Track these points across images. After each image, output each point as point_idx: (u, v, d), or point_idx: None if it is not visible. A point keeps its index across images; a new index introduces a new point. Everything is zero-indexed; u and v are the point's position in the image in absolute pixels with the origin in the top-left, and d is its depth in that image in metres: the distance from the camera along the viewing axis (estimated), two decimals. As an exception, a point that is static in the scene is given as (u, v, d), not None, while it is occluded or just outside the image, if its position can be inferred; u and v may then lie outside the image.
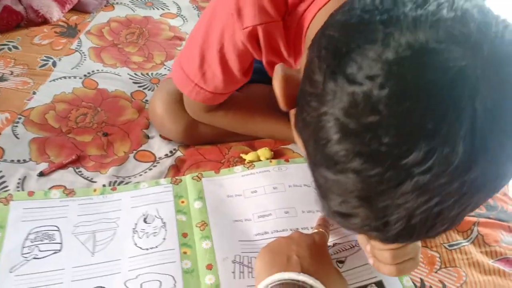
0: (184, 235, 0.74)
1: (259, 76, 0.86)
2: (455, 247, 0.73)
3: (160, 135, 0.93)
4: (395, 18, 0.35)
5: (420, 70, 0.33)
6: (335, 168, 0.37)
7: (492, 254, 0.72)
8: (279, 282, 0.56)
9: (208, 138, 0.91)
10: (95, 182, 0.82)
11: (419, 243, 0.62)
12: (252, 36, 0.66)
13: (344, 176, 0.37)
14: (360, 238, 0.67)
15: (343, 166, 0.36)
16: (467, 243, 0.73)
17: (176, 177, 0.83)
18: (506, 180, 0.38)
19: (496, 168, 0.35)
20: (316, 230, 0.69)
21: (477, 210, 0.78)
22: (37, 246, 0.70)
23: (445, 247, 0.73)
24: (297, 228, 0.74)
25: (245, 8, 0.64)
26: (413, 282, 0.68)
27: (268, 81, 0.93)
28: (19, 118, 0.92)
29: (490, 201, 0.80)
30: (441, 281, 0.68)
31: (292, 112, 0.48)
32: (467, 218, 0.76)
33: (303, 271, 0.57)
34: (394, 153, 0.34)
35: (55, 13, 1.20)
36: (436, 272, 0.70)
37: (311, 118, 0.39)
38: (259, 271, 0.61)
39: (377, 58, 0.34)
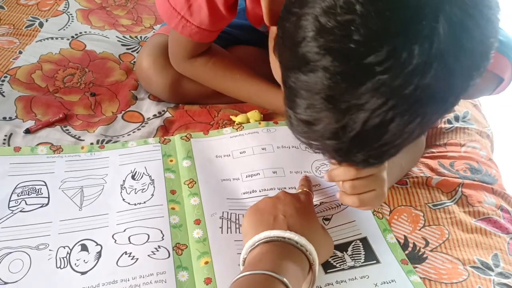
0: (173, 192, 0.74)
1: (247, 34, 0.85)
2: (439, 206, 0.74)
3: (149, 96, 0.92)
4: None
5: None
6: (307, 67, 0.40)
7: (475, 214, 0.73)
8: (265, 240, 0.56)
9: (194, 96, 0.91)
10: (82, 140, 0.82)
11: (383, 176, 0.63)
12: None
13: (314, 75, 0.40)
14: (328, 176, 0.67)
15: (314, 64, 0.40)
16: (451, 203, 0.74)
17: (165, 137, 0.83)
18: (456, 97, 0.42)
19: (448, 80, 0.39)
20: (300, 190, 0.70)
21: (462, 173, 0.79)
22: (24, 200, 0.70)
23: (429, 207, 0.74)
24: (285, 188, 0.74)
25: None
26: (396, 239, 0.69)
27: (256, 42, 0.94)
28: (5, 77, 0.91)
29: (475, 164, 0.82)
30: (424, 238, 0.70)
31: (272, 36, 0.51)
32: (452, 180, 0.77)
33: (289, 229, 0.57)
34: (361, 51, 0.37)
35: (42, -26, 1.17)
36: (419, 230, 0.71)
37: (291, 24, 0.42)
38: (246, 230, 0.61)
39: None
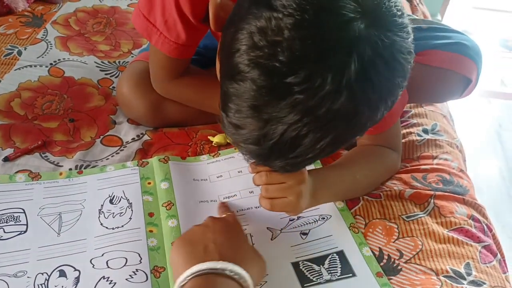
0: (150, 214, 0.75)
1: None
2: (412, 218, 0.76)
3: (128, 120, 0.93)
4: None
5: (320, 10, 0.42)
6: (238, 76, 0.46)
7: (447, 224, 0.75)
8: (198, 273, 0.54)
9: (174, 119, 0.92)
10: (61, 166, 0.83)
11: (299, 188, 0.66)
12: None
13: (243, 84, 0.45)
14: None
15: (244, 75, 0.45)
16: (423, 215, 0.76)
17: (143, 160, 0.84)
18: (364, 124, 0.48)
19: (356, 108, 0.45)
20: (224, 215, 0.70)
21: (434, 185, 0.81)
22: (2, 228, 0.70)
23: (403, 219, 0.76)
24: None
25: None
26: (372, 251, 0.71)
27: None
28: (-17, 106, 0.92)
29: (447, 176, 0.84)
30: (398, 250, 0.71)
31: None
32: (424, 192, 0.79)
33: (221, 257, 0.55)
34: (283, 70, 0.43)
35: (20, 3, 1.19)
36: (394, 242, 0.72)
37: (230, 34, 0.47)
38: (176, 264, 0.58)
39: None
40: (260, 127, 0.47)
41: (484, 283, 0.68)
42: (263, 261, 0.62)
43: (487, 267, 0.71)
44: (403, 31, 0.46)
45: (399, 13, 0.46)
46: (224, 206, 0.76)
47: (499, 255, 0.74)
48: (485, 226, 0.77)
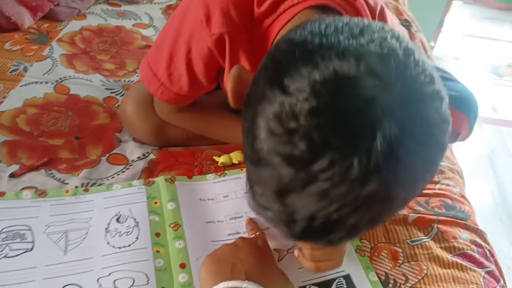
0: (157, 234, 0.75)
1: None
2: (417, 242, 0.77)
3: (133, 139, 0.94)
4: (330, 44, 0.41)
5: (337, 94, 0.39)
6: (259, 162, 0.43)
7: (451, 249, 0.76)
8: None
9: (177, 140, 0.93)
10: (67, 183, 0.83)
11: (344, 248, 0.67)
12: (219, 42, 0.69)
13: (265, 171, 0.43)
14: None
15: (265, 162, 0.42)
16: (427, 239, 0.77)
17: (149, 179, 0.85)
18: (399, 205, 0.44)
19: (387, 191, 0.41)
20: (253, 235, 0.71)
21: (437, 210, 0.83)
22: (8, 245, 0.70)
23: (407, 243, 0.76)
24: (269, 227, 0.76)
25: (213, 16, 0.67)
26: (378, 276, 0.71)
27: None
28: (-11, 122, 0.92)
29: (449, 201, 0.85)
30: (404, 274, 0.72)
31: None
32: (427, 217, 0.80)
33: (248, 277, 0.58)
34: (305, 158, 0.40)
35: (27, 20, 1.20)
36: (399, 266, 0.73)
37: (249, 115, 0.45)
38: (204, 280, 0.62)
39: (307, 76, 0.40)
40: (286, 212, 0.43)
41: (489, 309, 0.69)
42: (290, 285, 0.64)
43: (491, 293, 0.72)
44: (435, 100, 0.41)
45: (427, 79, 0.41)
46: (253, 223, 0.76)
47: (502, 281, 0.75)
48: (487, 252, 0.78)
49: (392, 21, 0.75)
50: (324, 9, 0.63)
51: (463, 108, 0.83)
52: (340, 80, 0.39)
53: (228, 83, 0.54)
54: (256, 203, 0.47)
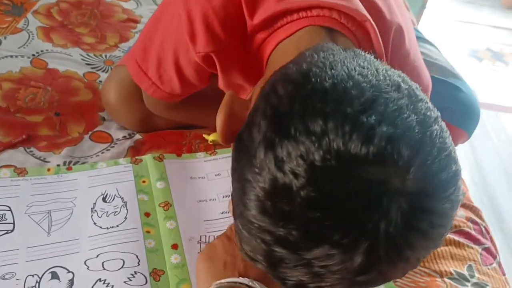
0: (147, 214, 0.71)
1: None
2: (414, 220, 0.75)
3: (117, 121, 0.89)
4: (336, 116, 0.35)
5: (339, 184, 0.34)
6: (250, 231, 0.39)
7: (448, 227, 0.75)
8: None
9: (165, 128, 0.89)
10: (48, 162, 0.78)
11: None
12: (206, 59, 0.63)
13: (255, 242, 0.38)
14: None
15: (256, 233, 0.38)
16: (425, 217, 0.76)
17: (136, 157, 0.80)
18: (398, 276, 0.41)
19: (383, 278, 0.38)
20: None
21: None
22: (-14, 227, 0.65)
23: (405, 221, 0.75)
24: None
25: (198, 35, 0.60)
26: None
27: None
28: (-39, 96, 0.86)
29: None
30: (402, 252, 0.71)
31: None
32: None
33: (241, 273, 0.53)
34: (300, 245, 0.36)
35: (-2, -10, 1.12)
36: (397, 244, 0.72)
37: (239, 173, 0.40)
38: (198, 279, 0.58)
39: (305, 157, 0.34)
40: (276, 276, 0.40)
41: (487, 285, 0.68)
42: None
43: (488, 269, 0.71)
44: (449, 187, 0.36)
45: (444, 162, 0.35)
46: None
47: (498, 257, 0.75)
48: (483, 228, 0.78)
49: (410, 39, 0.64)
50: (328, 29, 0.55)
51: (466, 124, 0.80)
52: (344, 167, 0.34)
53: (218, 120, 0.47)
54: (244, 252, 0.43)
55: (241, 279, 0.52)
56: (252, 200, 0.37)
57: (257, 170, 0.37)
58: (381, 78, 0.38)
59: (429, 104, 0.39)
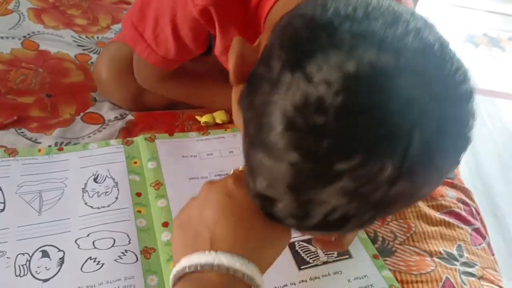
0: (138, 194, 0.71)
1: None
2: (405, 201, 0.76)
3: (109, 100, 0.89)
4: (364, 32, 0.35)
5: (373, 91, 0.34)
6: (272, 155, 0.37)
7: (439, 207, 0.76)
8: (183, 273, 0.42)
9: (156, 105, 0.89)
10: (39, 143, 0.78)
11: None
12: (205, 13, 0.62)
13: (279, 165, 0.37)
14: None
15: (280, 156, 0.36)
16: (415, 198, 0.76)
17: (128, 138, 0.80)
18: (418, 200, 0.41)
19: (412, 192, 0.38)
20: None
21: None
22: (-24, 206, 0.65)
23: (395, 202, 0.75)
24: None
25: None
26: (367, 234, 0.70)
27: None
28: (-49, 77, 0.85)
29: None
30: (392, 232, 0.71)
31: (236, 88, 0.47)
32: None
33: (214, 246, 0.42)
34: (331, 157, 0.35)
35: (-11, -29, 1.11)
36: (388, 224, 0.72)
37: (259, 102, 0.39)
38: (173, 250, 0.47)
39: (338, 67, 0.34)
40: (299, 206, 0.38)
41: (476, 265, 0.69)
42: (282, 232, 0.47)
43: (478, 249, 0.72)
44: (468, 100, 0.38)
45: (461, 77, 0.37)
46: None
47: (487, 237, 0.75)
48: (473, 210, 0.78)
49: None
50: None
51: None
52: (377, 75, 0.34)
53: (230, 60, 0.47)
54: (257, 194, 0.41)
55: (211, 254, 0.41)
56: (278, 118, 0.36)
57: (283, 91, 0.36)
58: (395, 5, 0.39)
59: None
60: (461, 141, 0.38)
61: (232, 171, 0.50)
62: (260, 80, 0.39)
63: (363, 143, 0.35)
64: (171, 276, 0.43)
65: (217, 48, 0.69)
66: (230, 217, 0.44)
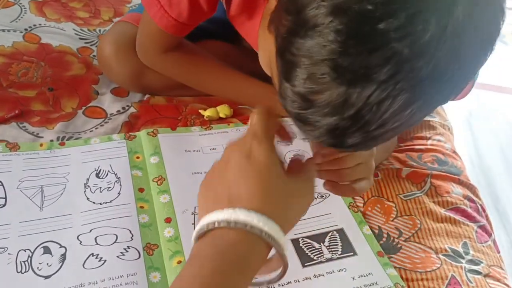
0: (141, 190, 0.71)
1: (218, 28, 0.83)
2: (410, 197, 0.75)
3: (111, 91, 0.88)
4: None
5: None
6: (314, 31, 0.37)
7: (444, 204, 0.75)
8: (202, 232, 0.41)
9: (157, 88, 0.88)
10: (41, 137, 0.77)
11: (372, 164, 0.61)
12: None
13: (322, 39, 0.37)
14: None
15: (324, 26, 0.36)
16: (421, 194, 0.75)
17: (130, 133, 0.79)
18: (457, 84, 0.40)
19: (457, 61, 0.37)
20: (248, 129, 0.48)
21: (430, 164, 0.81)
22: (-23, 201, 0.64)
23: (400, 198, 0.75)
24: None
25: None
26: (371, 229, 0.69)
27: (226, 36, 0.92)
28: (-48, 71, 0.84)
29: (441, 156, 0.83)
30: (397, 228, 0.70)
31: (267, 14, 0.47)
32: (421, 171, 0.78)
33: (232, 204, 0.41)
34: (378, 14, 0.35)
35: (-10, -37, 1.10)
36: (392, 221, 0.71)
37: None
38: (198, 214, 0.46)
39: None
40: (341, 92, 0.37)
41: (482, 262, 0.68)
42: (305, 189, 0.47)
43: (483, 246, 0.71)
44: None
45: None
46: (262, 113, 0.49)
47: (493, 235, 0.74)
48: (479, 207, 0.77)
49: None
50: None
51: None
52: None
53: None
54: (294, 94, 0.40)
55: (225, 212, 0.40)
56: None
57: None
58: None
59: None
60: (500, 9, 0.39)
61: (249, 124, 0.48)
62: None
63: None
64: (193, 238, 0.42)
65: (234, 6, 0.69)
66: (249, 176, 0.42)
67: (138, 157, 0.75)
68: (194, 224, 0.66)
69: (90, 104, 0.85)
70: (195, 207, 0.68)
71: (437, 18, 0.35)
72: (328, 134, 0.41)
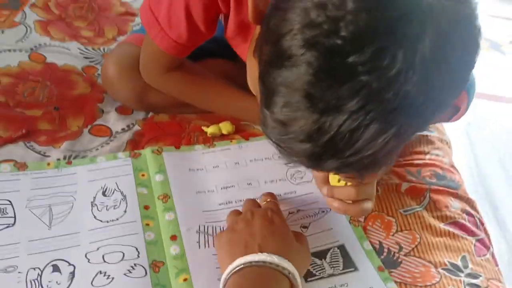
0: (146, 207, 0.72)
1: (219, 47, 0.85)
2: (409, 212, 0.76)
3: (116, 109, 0.90)
4: None
5: None
6: (289, 61, 0.40)
7: (443, 218, 0.76)
8: (238, 268, 0.56)
9: (161, 106, 0.90)
10: (48, 156, 0.78)
11: (373, 189, 0.67)
12: None
13: (296, 70, 0.39)
14: (319, 179, 0.69)
15: (297, 58, 0.39)
16: (420, 209, 0.77)
17: (135, 151, 0.81)
18: (433, 112, 0.42)
19: (427, 92, 0.39)
20: (265, 202, 0.70)
21: (429, 179, 0.82)
22: (-13, 221, 0.66)
23: (400, 213, 0.76)
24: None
25: None
26: (372, 245, 0.71)
27: (227, 55, 0.94)
28: (-40, 91, 0.86)
29: (440, 171, 0.85)
30: (397, 243, 0.72)
31: (254, 39, 0.50)
32: (420, 186, 0.80)
33: (261, 250, 0.57)
34: (346, 49, 0.37)
35: (-5, -16, 1.12)
36: (393, 235, 0.73)
37: (276, 19, 0.42)
38: (222, 260, 0.61)
39: None
40: (314, 120, 0.40)
41: (480, 276, 0.69)
42: (307, 252, 0.64)
43: (482, 260, 0.72)
44: (476, 7, 0.40)
45: None
46: (270, 195, 0.72)
47: (492, 248, 0.76)
48: (477, 220, 0.79)
49: None
50: None
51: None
52: None
53: (249, 1, 0.50)
54: (274, 120, 0.43)
55: (260, 255, 0.56)
56: (297, 18, 0.39)
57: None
58: None
59: None
60: (471, 40, 0.40)
61: (265, 202, 0.70)
62: (278, 3, 0.44)
63: (376, 30, 0.37)
64: (222, 278, 0.57)
65: (230, 29, 0.71)
66: (274, 233, 0.60)
67: (143, 175, 0.77)
68: (198, 242, 0.68)
69: (95, 123, 0.87)
70: (199, 226, 0.70)
71: (403, 52, 0.37)
72: (304, 159, 0.45)
